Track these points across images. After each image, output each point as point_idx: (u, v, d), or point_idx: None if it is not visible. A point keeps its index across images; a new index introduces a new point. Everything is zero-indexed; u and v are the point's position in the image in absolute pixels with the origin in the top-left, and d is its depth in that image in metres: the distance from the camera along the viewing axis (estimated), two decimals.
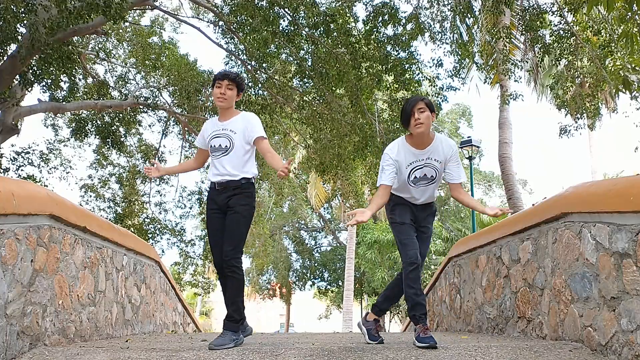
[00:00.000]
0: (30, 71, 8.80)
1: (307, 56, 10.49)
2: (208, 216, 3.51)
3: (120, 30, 13.46)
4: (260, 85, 11.09)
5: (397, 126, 10.05)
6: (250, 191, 3.46)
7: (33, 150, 12.46)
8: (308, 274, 27.82)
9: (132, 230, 12.56)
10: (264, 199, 22.02)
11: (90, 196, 15.22)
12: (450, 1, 10.61)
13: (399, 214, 3.51)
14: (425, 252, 3.56)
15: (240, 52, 11.37)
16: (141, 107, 12.50)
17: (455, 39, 11.02)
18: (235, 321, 3.34)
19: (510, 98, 12.03)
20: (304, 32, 9.78)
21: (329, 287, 28.05)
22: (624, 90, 7.61)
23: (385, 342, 3.66)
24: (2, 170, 10.89)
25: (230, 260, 3.33)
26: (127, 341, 4.01)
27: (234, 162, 3.42)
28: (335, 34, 9.51)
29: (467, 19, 10.92)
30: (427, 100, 3.43)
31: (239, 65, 11.96)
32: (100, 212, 14.58)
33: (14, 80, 8.88)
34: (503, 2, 9.03)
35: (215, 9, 10.84)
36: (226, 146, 3.43)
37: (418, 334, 3.23)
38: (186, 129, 13.98)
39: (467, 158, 15.22)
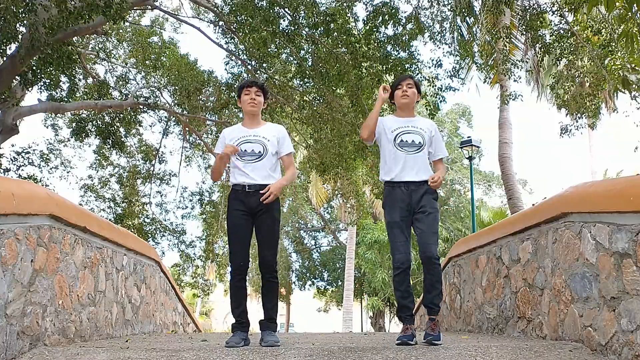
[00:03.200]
0: (30, 71, 8.79)
1: (307, 56, 10.47)
2: (233, 216, 3.51)
3: (121, 30, 13.45)
4: None
5: None
6: (279, 196, 3.62)
7: (33, 150, 12.46)
8: (308, 274, 27.78)
9: (132, 231, 12.56)
10: None
11: (91, 196, 15.23)
12: (450, 1, 10.59)
13: (388, 210, 3.59)
14: (429, 235, 3.46)
15: (240, 52, 11.36)
16: (141, 107, 12.48)
17: (455, 37, 11.00)
18: (275, 322, 3.53)
19: (510, 98, 12.01)
20: (304, 32, 9.76)
21: (328, 287, 28.02)
22: (623, 90, 7.59)
23: (385, 342, 3.66)
24: (2, 170, 10.88)
25: (273, 264, 3.51)
26: (127, 341, 4.01)
27: (267, 167, 3.55)
28: (335, 33, 9.49)
29: (467, 19, 10.90)
30: (416, 80, 3.85)
31: (239, 65, 11.95)
32: (101, 213, 14.58)
33: (14, 80, 8.88)
34: (503, 2, 9.00)
35: (215, 9, 10.83)
36: (259, 152, 3.55)
37: (400, 334, 3.39)
38: (187, 129, 13.97)
39: (467, 158, 15.21)
